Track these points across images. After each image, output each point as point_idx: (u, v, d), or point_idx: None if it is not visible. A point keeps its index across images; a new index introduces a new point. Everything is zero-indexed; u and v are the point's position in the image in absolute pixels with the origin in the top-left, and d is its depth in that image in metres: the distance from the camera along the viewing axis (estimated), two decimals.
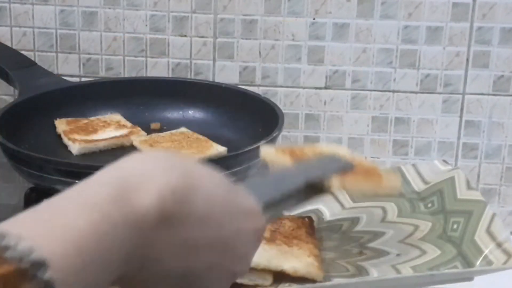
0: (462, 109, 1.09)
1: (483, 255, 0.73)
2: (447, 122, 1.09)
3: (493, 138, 1.09)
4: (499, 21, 1.06)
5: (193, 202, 0.48)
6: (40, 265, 0.41)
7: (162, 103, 1.05)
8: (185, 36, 1.09)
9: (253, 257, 0.55)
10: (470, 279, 0.75)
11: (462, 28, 1.07)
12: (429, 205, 0.82)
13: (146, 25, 1.09)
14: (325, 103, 1.10)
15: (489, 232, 0.75)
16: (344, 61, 1.08)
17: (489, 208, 0.76)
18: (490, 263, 0.72)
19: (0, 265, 0.40)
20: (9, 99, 1.10)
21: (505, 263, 0.72)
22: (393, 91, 1.09)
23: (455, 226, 0.78)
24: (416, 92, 1.09)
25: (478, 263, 0.73)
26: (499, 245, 0.73)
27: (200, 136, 0.97)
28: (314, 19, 1.07)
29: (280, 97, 1.10)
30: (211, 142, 0.96)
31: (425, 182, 0.84)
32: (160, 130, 1.01)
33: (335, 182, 0.63)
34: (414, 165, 0.85)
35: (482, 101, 1.09)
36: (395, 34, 1.07)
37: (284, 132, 1.04)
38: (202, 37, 1.09)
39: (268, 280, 0.70)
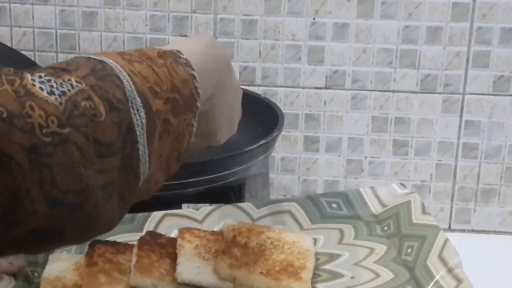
0: (462, 109, 1.09)
1: (434, 280, 0.75)
2: (447, 122, 1.09)
3: (493, 138, 1.10)
4: (499, 21, 1.06)
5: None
6: (179, 56, 0.60)
7: None
8: (185, 36, 1.09)
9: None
10: None
11: (462, 28, 1.07)
12: (386, 228, 0.83)
13: (146, 25, 1.09)
14: (325, 103, 1.10)
15: (441, 257, 0.77)
16: (344, 61, 1.08)
17: (442, 233, 0.78)
18: None
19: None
20: None
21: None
22: (393, 91, 1.09)
23: (409, 250, 0.79)
24: (416, 92, 1.09)
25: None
26: (450, 270, 0.75)
27: None
28: (314, 19, 1.07)
29: (280, 97, 1.10)
30: None
31: (383, 205, 0.85)
32: None
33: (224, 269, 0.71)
34: (372, 188, 0.86)
35: (482, 101, 1.09)
36: (395, 34, 1.07)
37: (284, 132, 1.04)
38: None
39: None
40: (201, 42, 0.67)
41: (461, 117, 1.09)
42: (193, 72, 0.59)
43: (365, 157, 1.11)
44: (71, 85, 0.50)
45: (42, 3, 1.09)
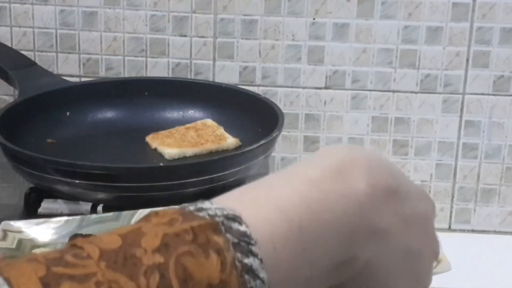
0: (462, 109, 1.09)
1: None
2: (447, 122, 1.09)
3: (493, 138, 1.10)
4: (499, 21, 1.06)
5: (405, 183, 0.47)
6: (233, 219, 0.39)
7: (162, 103, 1.05)
8: (185, 36, 1.09)
9: None
10: None
11: (462, 28, 1.07)
12: None
13: (146, 25, 1.09)
14: (325, 103, 1.10)
15: None
16: (344, 61, 1.08)
17: None
18: None
19: (192, 219, 0.38)
20: (9, 99, 1.10)
21: (434, 268, 0.74)
22: (393, 91, 1.09)
23: None
24: (416, 92, 1.09)
25: None
26: None
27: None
28: (314, 19, 1.07)
29: (280, 97, 1.10)
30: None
31: None
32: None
33: None
34: None
35: (482, 101, 1.09)
36: (395, 34, 1.07)
37: (284, 132, 1.04)
38: (202, 37, 1.09)
39: None
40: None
41: (461, 117, 1.09)
42: (249, 260, 0.38)
43: None
44: None
45: (42, 3, 1.09)
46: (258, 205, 0.41)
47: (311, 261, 0.41)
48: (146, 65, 1.10)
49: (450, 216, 1.12)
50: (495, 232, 1.12)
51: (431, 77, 1.08)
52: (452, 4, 1.06)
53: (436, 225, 1.18)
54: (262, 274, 0.38)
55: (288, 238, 0.40)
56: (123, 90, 1.06)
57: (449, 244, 1.07)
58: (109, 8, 1.09)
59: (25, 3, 1.09)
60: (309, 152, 1.11)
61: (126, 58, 1.10)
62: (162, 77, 1.09)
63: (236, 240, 0.38)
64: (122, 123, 1.03)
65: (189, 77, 1.10)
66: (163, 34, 1.09)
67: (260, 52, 1.09)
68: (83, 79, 1.11)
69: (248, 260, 0.37)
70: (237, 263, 0.37)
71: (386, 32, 1.07)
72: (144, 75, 1.11)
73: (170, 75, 1.10)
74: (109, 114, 1.04)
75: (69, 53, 1.10)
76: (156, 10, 1.08)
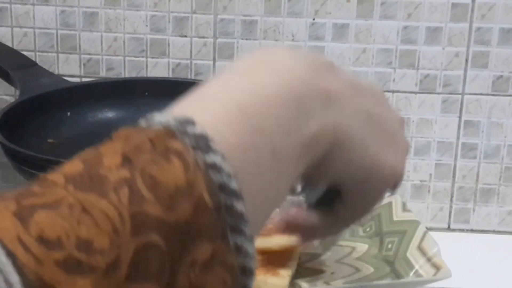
0: (461, 109, 1.09)
1: (413, 270, 0.76)
2: (446, 122, 1.10)
3: (492, 138, 1.10)
4: (498, 22, 1.06)
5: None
6: (187, 122, 0.39)
7: (162, 103, 1.04)
8: (185, 36, 1.09)
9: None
10: None
11: (461, 29, 1.07)
12: (367, 229, 0.84)
13: (147, 25, 1.09)
14: None
15: (420, 248, 0.78)
16: (344, 61, 1.09)
17: (421, 226, 0.79)
18: (420, 276, 0.75)
19: (147, 131, 0.39)
20: (10, 99, 1.11)
21: (434, 275, 0.75)
22: (393, 91, 1.09)
23: (389, 246, 0.80)
24: (415, 92, 1.09)
25: (408, 277, 0.75)
26: (429, 259, 0.76)
27: None
28: (314, 19, 1.07)
29: None
30: None
31: None
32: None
33: None
34: None
35: (481, 101, 1.09)
36: (395, 35, 1.07)
37: None
38: (202, 37, 1.09)
39: None
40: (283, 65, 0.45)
41: (460, 117, 1.09)
42: (210, 158, 0.38)
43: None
44: None
45: (43, 3, 1.09)
46: (203, 105, 0.42)
47: (270, 140, 0.41)
48: (147, 65, 1.11)
49: (449, 216, 1.12)
50: (494, 231, 1.12)
51: (431, 77, 1.09)
52: (452, 5, 1.06)
53: (436, 225, 1.18)
54: (227, 168, 0.38)
55: (239, 124, 0.40)
56: (124, 90, 1.06)
57: (448, 243, 1.07)
58: (110, 9, 1.09)
59: (25, 4, 1.09)
60: None
61: (127, 58, 1.11)
62: (162, 78, 1.10)
63: (194, 142, 0.38)
64: (123, 123, 1.02)
65: (189, 77, 1.10)
66: (163, 35, 1.09)
67: None
68: (84, 79, 1.11)
69: (210, 158, 0.38)
70: (199, 162, 0.37)
71: (386, 32, 1.07)
72: (145, 76, 1.11)
73: (171, 76, 1.11)
74: (109, 114, 1.04)
75: (70, 53, 1.11)
76: (157, 11, 1.09)
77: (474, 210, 1.12)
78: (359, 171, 0.48)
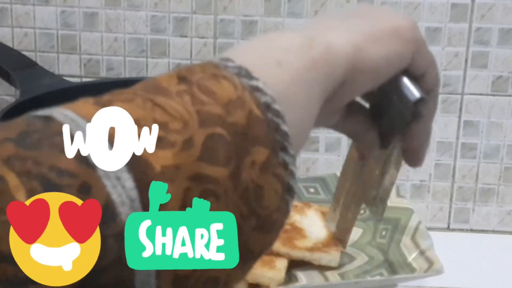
0: (461, 109, 1.10)
1: (407, 262, 0.76)
2: (446, 122, 1.10)
3: (492, 138, 1.10)
4: (497, 22, 1.07)
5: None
6: (227, 59, 0.43)
7: None
8: (186, 36, 1.10)
9: None
10: (394, 285, 0.78)
11: (461, 29, 1.07)
12: (362, 211, 0.84)
13: (147, 25, 1.09)
14: None
15: (413, 240, 0.78)
16: None
17: (415, 216, 0.79)
18: (413, 270, 0.75)
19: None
20: (11, 99, 1.11)
21: (426, 270, 0.75)
22: None
23: (383, 233, 0.81)
24: None
25: (402, 270, 0.76)
26: (422, 252, 0.76)
27: None
28: None
29: None
30: None
31: None
32: None
33: None
34: None
35: (481, 101, 1.09)
36: None
37: None
38: (203, 37, 1.09)
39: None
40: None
41: (460, 117, 1.10)
42: (253, 82, 0.41)
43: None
44: None
45: (43, 4, 1.09)
46: (257, 58, 0.44)
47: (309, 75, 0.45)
48: (147, 65, 1.11)
49: (449, 216, 1.12)
50: (493, 231, 1.12)
51: None
52: (451, 5, 1.06)
53: (435, 225, 1.19)
54: (269, 91, 0.41)
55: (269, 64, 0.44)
56: None
57: (448, 243, 1.07)
58: (110, 9, 1.09)
59: (26, 4, 1.09)
60: (308, 152, 1.11)
61: (127, 58, 1.11)
62: None
63: (237, 71, 0.42)
64: None
65: None
66: (163, 35, 1.10)
67: None
68: (84, 80, 1.11)
69: (252, 82, 0.41)
70: (245, 85, 0.41)
71: None
72: (145, 76, 1.11)
73: None
74: None
75: (70, 53, 1.11)
76: (157, 11, 1.09)
77: (473, 210, 1.12)
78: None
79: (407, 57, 0.51)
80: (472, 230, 1.12)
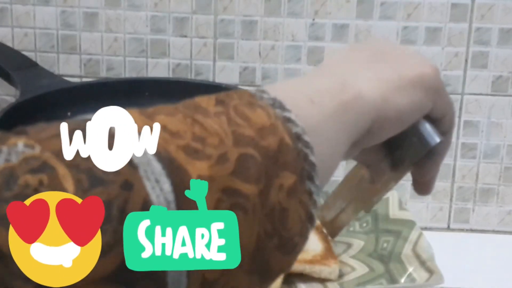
0: (461, 109, 1.10)
1: (407, 273, 0.76)
2: None
3: (492, 138, 1.10)
4: (497, 22, 1.07)
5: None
6: (263, 91, 0.45)
7: (162, 103, 1.05)
8: (186, 36, 1.10)
9: None
10: None
11: (461, 29, 1.07)
12: (364, 224, 0.84)
13: (147, 26, 1.09)
14: None
15: (414, 251, 0.78)
16: None
17: (416, 228, 0.79)
18: (413, 280, 0.75)
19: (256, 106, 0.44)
20: (11, 100, 1.11)
21: (427, 280, 0.75)
22: None
23: (385, 245, 0.81)
24: None
25: (402, 280, 0.76)
26: (422, 263, 0.76)
27: None
28: (313, 19, 1.08)
29: None
30: None
31: None
32: None
33: None
34: None
35: (481, 101, 1.09)
36: (395, 35, 1.08)
37: None
38: (203, 37, 1.09)
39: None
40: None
41: (460, 117, 1.10)
42: (286, 114, 0.44)
43: None
44: (14, 152, 0.35)
45: (43, 4, 1.09)
46: (290, 93, 0.47)
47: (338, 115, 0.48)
48: (147, 65, 1.11)
49: (449, 216, 1.12)
50: (493, 231, 1.12)
51: None
52: (451, 5, 1.06)
53: (435, 225, 1.19)
54: (300, 123, 0.44)
55: (312, 102, 0.47)
56: (124, 90, 1.06)
57: (448, 243, 1.07)
58: (110, 9, 1.09)
59: (26, 4, 1.09)
60: None
61: (127, 58, 1.11)
62: (162, 78, 1.10)
63: (271, 102, 0.44)
64: None
65: (189, 77, 1.10)
66: (163, 35, 1.10)
67: (260, 53, 1.09)
68: (84, 80, 1.11)
69: (285, 114, 0.44)
70: (278, 115, 0.43)
71: (386, 32, 1.08)
72: (145, 76, 1.11)
73: (171, 76, 1.11)
74: None
75: (70, 53, 1.11)
76: (157, 11, 1.09)
77: (473, 210, 1.12)
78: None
79: (429, 104, 0.54)
80: (472, 230, 1.12)
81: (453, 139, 1.10)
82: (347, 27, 1.08)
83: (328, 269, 0.78)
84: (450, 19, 1.07)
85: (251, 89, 0.46)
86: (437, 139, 0.57)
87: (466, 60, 1.08)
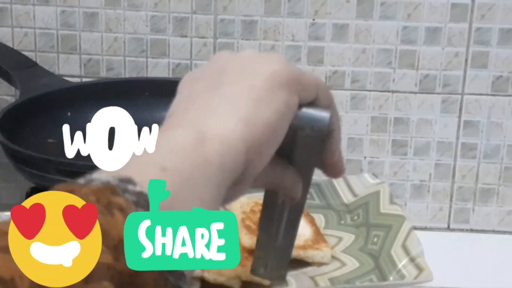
0: (461, 109, 1.10)
1: (397, 269, 0.76)
2: (446, 122, 1.10)
3: (492, 138, 1.10)
4: (497, 22, 1.07)
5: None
6: (127, 181, 0.41)
7: (162, 103, 1.05)
8: (186, 36, 1.10)
9: None
10: None
11: (461, 29, 1.07)
12: (355, 217, 0.85)
13: (147, 25, 1.09)
14: None
15: (404, 246, 0.78)
16: (344, 62, 1.09)
17: (406, 223, 0.80)
18: (402, 277, 0.75)
19: (89, 186, 0.40)
20: (11, 100, 1.11)
21: (416, 277, 0.75)
22: (392, 92, 1.10)
23: (375, 240, 0.81)
24: (415, 93, 1.09)
25: (391, 277, 0.76)
26: (412, 259, 0.76)
27: None
28: (313, 19, 1.08)
29: None
30: None
31: (354, 195, 0.86)
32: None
33: None
34: (345, 178, 0.88)
35: (481, 101, 1.09)
36: (394, 35, 1.08)
37: None
38: (203, 37, 1.09)
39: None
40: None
41: (460, 117, 1.10)
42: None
43: (365, 157, 1.11)
44: None
45: (43, 3, 1.09)
46: (140, 166, 0.44)
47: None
48: (147, 65, 1.11)
49: (449, 216, 1.12)
50: (493, 231, 1.12)
51: (430, 77, 1.09)
52: (451, 5, 1.06)
53: (435, 225, 1.19)
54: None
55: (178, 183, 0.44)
56: (124, 90, 1.06)
57: (448, 243, 1.08)
58: (110, 9, 1.09)
59: (26, 4, 1.09)
60: None
61: (127, 58, 1.11)
62: (162, 78, 1.10)
63: (135, 199, 0.40)
64: None
65: None
66: (163, 35, 1.10)
67: None
68: (84, 80, 1.11)
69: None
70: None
71: (385, 32, 1.08)
72: (145, 76, 1.11)
73: (171, 76, 1.11)
74: None
75: (70, 53, 1.11)
76: (157, 11, 1.09)
77: (473, 210, 1.12)
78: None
79: (295, 98, 0.52)
80: (472, 230, 1.12)
81: (453, 139, 1.10)
82: (347, 27, 1.08)
83: (321, 253, 0.78)
84: (450, 19, 1.07)
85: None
86: (326, 114, 0.54)
87: (466, 60, 1.08)
